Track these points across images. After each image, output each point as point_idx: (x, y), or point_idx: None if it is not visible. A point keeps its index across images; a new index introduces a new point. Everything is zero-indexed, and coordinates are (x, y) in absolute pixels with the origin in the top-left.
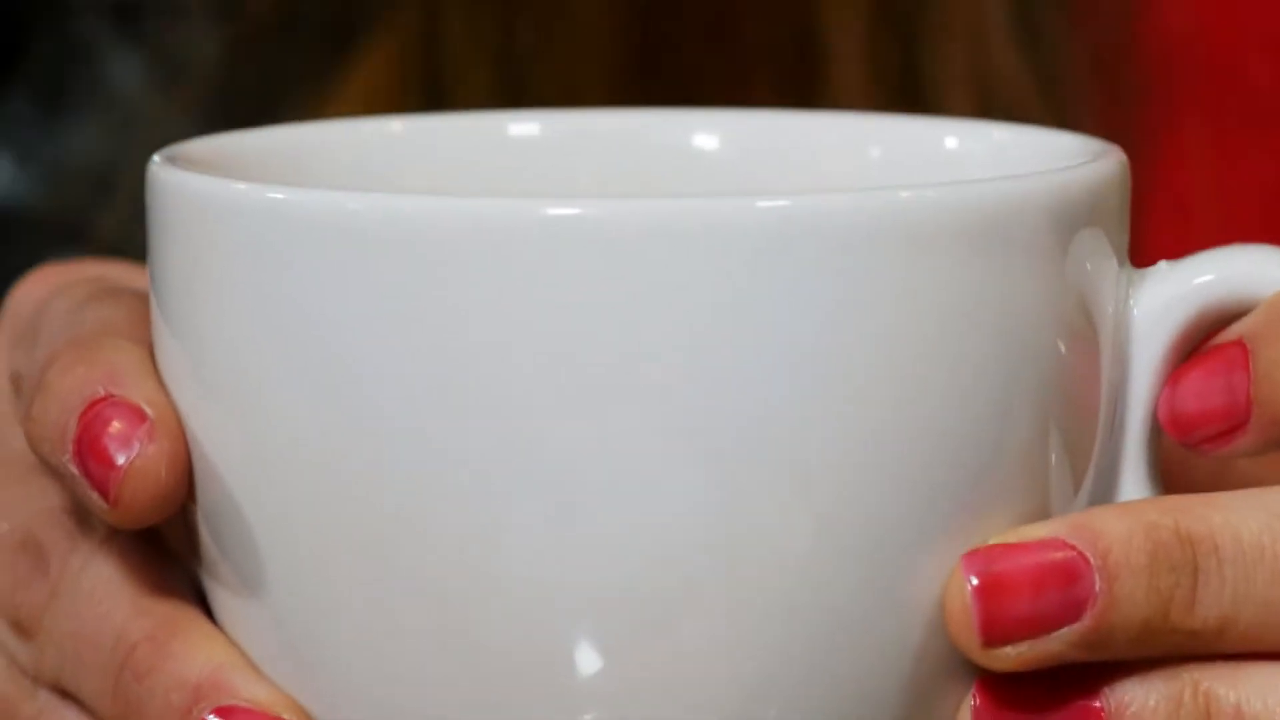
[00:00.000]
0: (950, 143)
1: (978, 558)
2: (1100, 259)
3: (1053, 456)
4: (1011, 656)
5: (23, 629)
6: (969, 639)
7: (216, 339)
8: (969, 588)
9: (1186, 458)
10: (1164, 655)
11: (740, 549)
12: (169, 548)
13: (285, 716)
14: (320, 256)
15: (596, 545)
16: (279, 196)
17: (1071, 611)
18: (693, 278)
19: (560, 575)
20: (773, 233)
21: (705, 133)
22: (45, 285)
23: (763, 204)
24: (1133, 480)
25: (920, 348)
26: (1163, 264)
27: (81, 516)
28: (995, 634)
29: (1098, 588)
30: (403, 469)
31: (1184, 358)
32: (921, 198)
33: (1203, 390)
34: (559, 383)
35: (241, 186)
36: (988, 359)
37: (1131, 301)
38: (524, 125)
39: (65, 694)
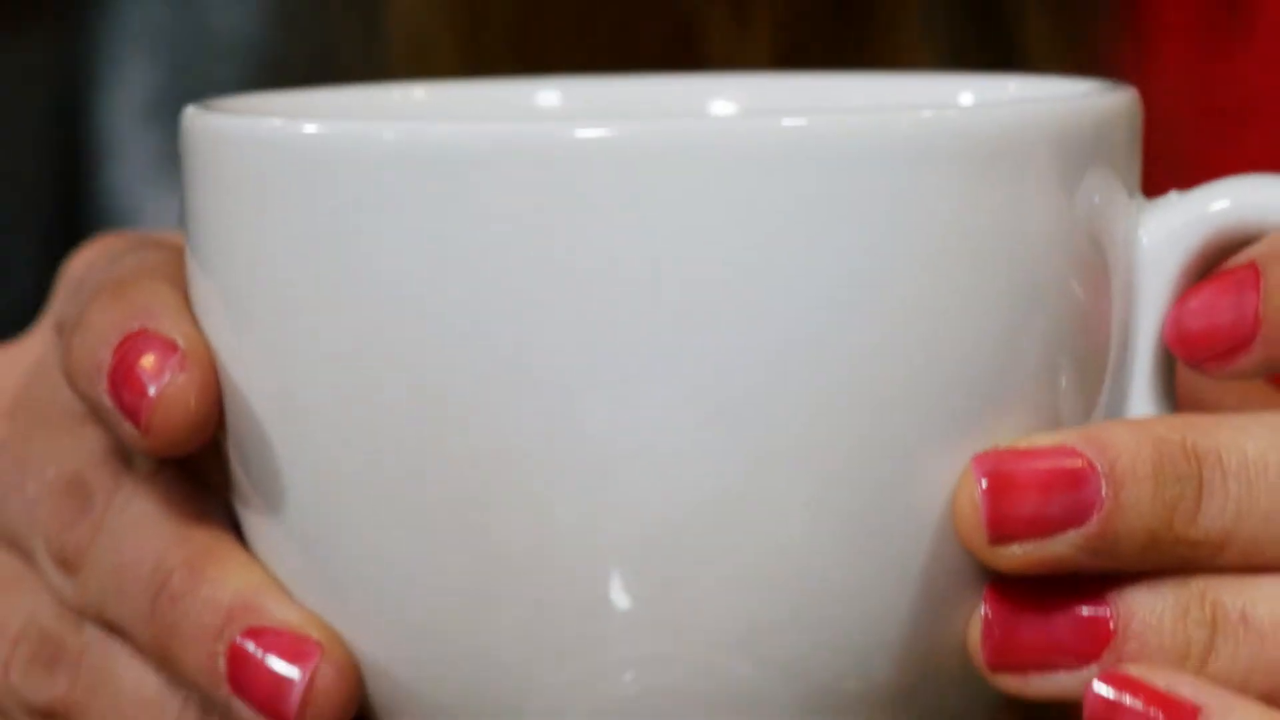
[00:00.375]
0: (966, 97)
1: (988, 458)
2: (1110, 187)
3: (1063, 380)
4: (1017, 555)
5: (69, 565)
6: (977, 536)
7: (250, 273)
8: (979, 486)
9: (1195, 391)
10: (1166, 567)
11: (767, 460)
12: (208, 486)
13: (314, 636)
14: (356, 187)
15: (629, 462)
16: (313, 130)
17: (1078, 515)
18: (704, 197)
19: (594, 497)
20: (783, 151)
21: (723, 98)
22: (94, 248)
23: (783, 123)
24: (1141, 406)
25: (939, 264)
26: (1173, 193)
27: (125, 458)
28: (1002, 531)
29: (1104, 494)
30: (437, 386)
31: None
32: (943, 117)
33: (1210, 308)
34: (595, 305)
35: (276, 122)
36: (1002, 280)
37: (1141, 230)
38: (547, 93)
39: (109, 627)
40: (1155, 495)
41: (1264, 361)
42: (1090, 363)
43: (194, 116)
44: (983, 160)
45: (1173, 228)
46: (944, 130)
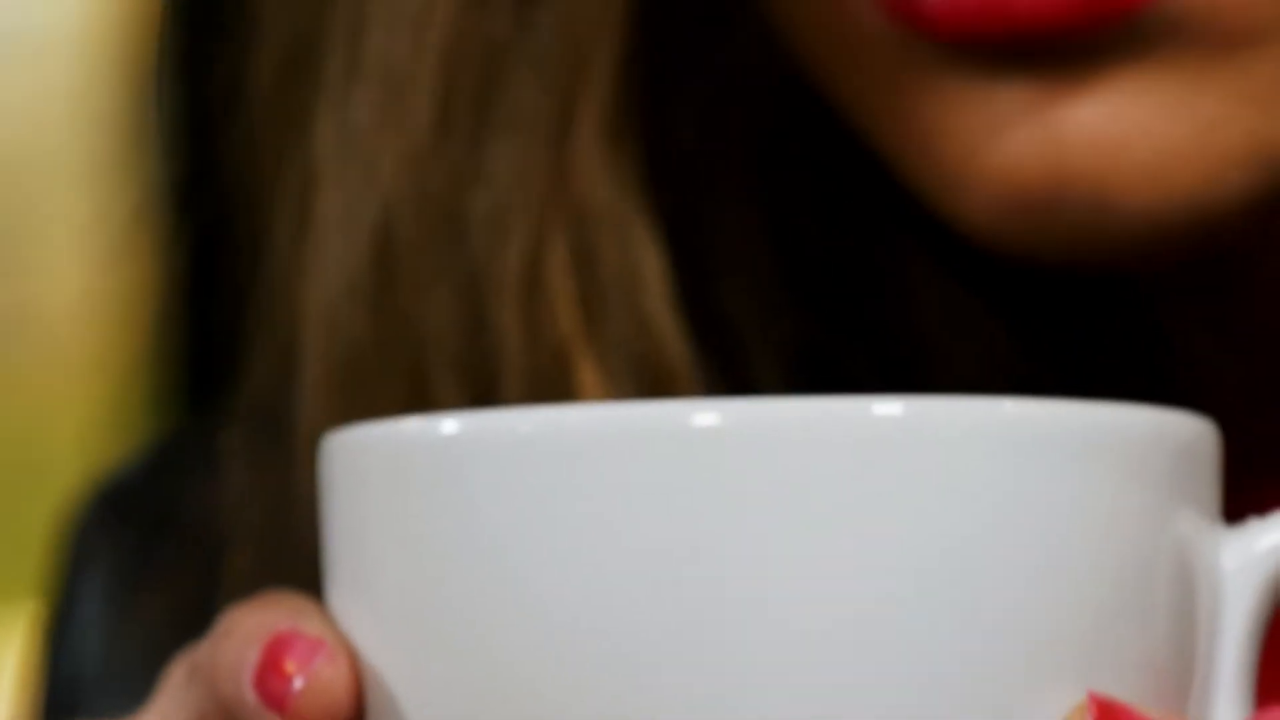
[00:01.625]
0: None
1: (1101, 695)
2: (1195, 511)
3: (1156, 681)
4: None
5: None
6: None
7: (390, 573)
8: (1091, 708)
9: None
10: None
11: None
12: None
13: None
14: (497, 478)
15: None
16: (453, 425)
17: None
18: (864, 483)
19: None
20: (894, 434)
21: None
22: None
23: (881, 409)
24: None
25: (1023, 555)
26: (1253, 520)
27: None
28: None
29: None
30: (579, 678)
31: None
32: (1101, 416)
33: None
34: (734, 592)
35: (415, 423)
36: (1110, 589)
37: (1223, 555)
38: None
39: None
40: None
41: None
42: (1177, 669)
43: (332, 437)
44: (1117, 459)
45: (1253, 554)
46: (1099, 428)
